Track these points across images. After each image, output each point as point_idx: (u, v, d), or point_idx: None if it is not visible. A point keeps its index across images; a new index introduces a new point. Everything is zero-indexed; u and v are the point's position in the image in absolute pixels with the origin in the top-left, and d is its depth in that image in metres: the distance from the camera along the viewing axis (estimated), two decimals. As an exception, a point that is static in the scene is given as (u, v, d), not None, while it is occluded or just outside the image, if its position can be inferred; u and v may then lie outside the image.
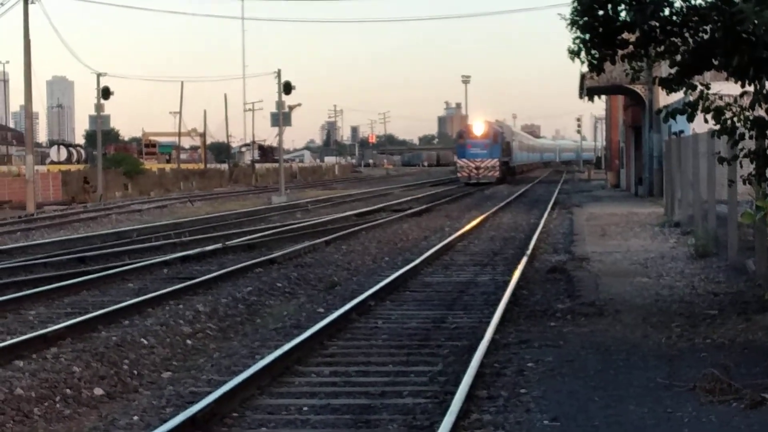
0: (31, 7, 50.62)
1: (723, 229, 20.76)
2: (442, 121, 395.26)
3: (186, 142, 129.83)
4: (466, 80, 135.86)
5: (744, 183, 15.09)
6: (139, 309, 16.06)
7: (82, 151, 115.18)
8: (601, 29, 14.27)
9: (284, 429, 9.58)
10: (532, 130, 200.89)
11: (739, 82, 13.66)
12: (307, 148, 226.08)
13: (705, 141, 22.03)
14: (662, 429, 9.03)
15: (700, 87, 13.90)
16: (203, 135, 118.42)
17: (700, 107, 13.72)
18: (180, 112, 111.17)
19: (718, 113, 13.60)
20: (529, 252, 23.51)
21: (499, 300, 16.46)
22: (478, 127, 78.06)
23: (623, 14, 14.21)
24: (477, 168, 75.58)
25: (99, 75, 63.82)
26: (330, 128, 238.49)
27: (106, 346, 13.04)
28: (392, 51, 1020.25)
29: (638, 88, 47.84)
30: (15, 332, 14.42)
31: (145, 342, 13.66)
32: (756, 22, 11.13)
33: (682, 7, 13.93)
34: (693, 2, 13.92)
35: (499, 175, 75.73)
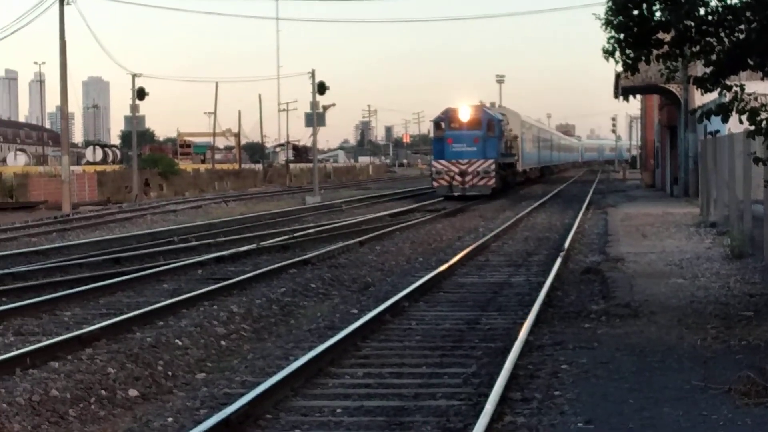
0: (66, 8, 50.81)
1: (759, 230, 20.61)
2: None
3: (221, 143, 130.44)
4: (500, 80, 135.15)
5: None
6: (174, 310, 16.11)
7: (118, 152, 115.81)
8: (635, 29, 14.24)
9: (318, 431, 9.58)
10: (567, 130, 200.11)
11: (775, 82, 13.59)
12: (341, 148, 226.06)
13: (741, 141, 21.89)
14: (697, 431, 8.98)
15: (735, 87, 13.83)
16: (238, 135, 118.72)
17: (734, 108, 13.66)
18: (215, 113, 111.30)
19: (752, 114, 13.53)
20: (563, 253, 23.42)
21: (533, 301, 16.42)
22: (464, 113, 51.98)
23: (658, 14, 14.17)
24: (461, 174, 50.41)
25: (134, 76, 64.09)
26: (364, 128, 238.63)
27: (140, 347, 13.10)
28: (427, 50, 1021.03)
29: (673, 88, 47.60)
30: (50, 333, 14.51)
31: (180, 343, 13.72)
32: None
33: (717, 6, 13.89)
34: (728, 2, 13.87)
35: (495, 184, 50.88)
